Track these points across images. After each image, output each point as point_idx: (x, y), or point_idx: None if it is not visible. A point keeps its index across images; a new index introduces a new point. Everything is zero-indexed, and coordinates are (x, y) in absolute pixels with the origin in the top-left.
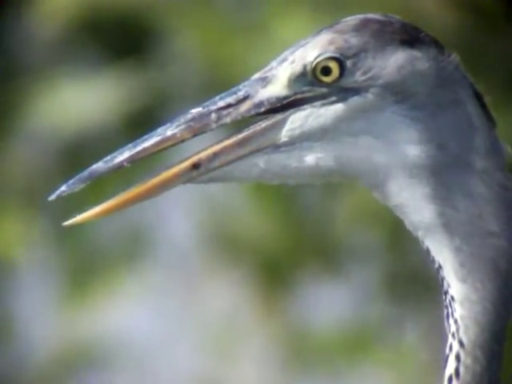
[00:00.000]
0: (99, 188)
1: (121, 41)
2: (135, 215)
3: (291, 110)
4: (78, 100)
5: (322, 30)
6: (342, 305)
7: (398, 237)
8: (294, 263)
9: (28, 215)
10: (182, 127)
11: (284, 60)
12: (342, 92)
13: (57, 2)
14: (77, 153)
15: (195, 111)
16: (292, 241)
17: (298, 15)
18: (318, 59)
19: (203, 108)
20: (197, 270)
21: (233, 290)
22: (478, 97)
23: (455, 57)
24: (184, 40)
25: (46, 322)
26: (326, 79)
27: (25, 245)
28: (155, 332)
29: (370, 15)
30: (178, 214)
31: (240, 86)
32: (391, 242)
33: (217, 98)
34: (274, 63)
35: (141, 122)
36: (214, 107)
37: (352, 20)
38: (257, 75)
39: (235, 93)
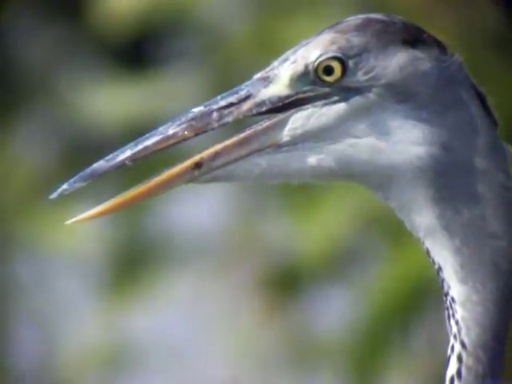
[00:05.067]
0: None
1: (125, 44)
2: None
3: (293, 110)
4: (81, 99)
5: (323, 30)
6: (345, 307)
7: (400, 239)
8: (297, 266)
9: None
10: (184, 126)
11: (286, 59)
12: (343, 92)
13: None
14: (80, 151)
15: (197, 110)
16: (296, 244)
17: (301, 15)
18: (320, 59)
19: (205, 107)
20: (203, 272)
21: (233, 291)
22: (480, 97)
23: (458, 57)
24: (189, 45)
25: (79, 321)
26: (328, 79)
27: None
28: (186, 335)
29: (372, 15)
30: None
31: (242, 86)
32: (393, 245)
33: (218, 97)
34: (275, 63)
35: (144, 123)
36: (215, 106)
37: (354, 20)
38: (258, 75)
39: (237, 92)
